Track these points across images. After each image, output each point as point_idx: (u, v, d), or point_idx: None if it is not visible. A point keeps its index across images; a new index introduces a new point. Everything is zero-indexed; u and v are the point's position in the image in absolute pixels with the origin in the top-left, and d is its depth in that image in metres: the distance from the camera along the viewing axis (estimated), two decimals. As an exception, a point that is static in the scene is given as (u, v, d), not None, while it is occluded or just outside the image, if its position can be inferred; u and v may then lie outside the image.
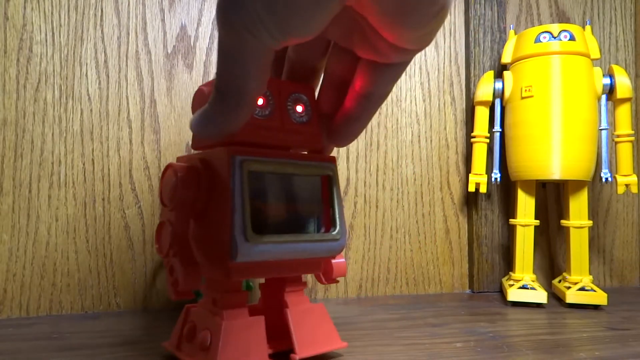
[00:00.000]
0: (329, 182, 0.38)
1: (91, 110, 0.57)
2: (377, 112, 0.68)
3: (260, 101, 0.35)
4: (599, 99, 0.62)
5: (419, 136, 0.69)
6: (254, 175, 0.34)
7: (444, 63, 0.71)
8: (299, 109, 0.38)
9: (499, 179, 0.65)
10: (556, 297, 0.64)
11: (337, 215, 0.38)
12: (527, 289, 0.60)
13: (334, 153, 0.41)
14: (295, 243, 0.35)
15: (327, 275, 0.42)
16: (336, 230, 0.38)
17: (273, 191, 0.36)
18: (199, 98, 0.36)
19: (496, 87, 0.65)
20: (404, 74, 0.69)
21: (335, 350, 0.40)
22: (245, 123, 0.33)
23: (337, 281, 0.43)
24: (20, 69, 0.55)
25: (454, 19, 0.71)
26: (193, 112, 0.38)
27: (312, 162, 0.38)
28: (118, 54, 0.58)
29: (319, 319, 0.39)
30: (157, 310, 0.57)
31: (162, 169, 0.59)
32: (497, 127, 0.66)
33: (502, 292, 0.67)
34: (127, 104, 0.58)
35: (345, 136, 0.38)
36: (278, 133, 0.36)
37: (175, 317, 0.54)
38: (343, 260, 0.42)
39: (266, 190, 0.35)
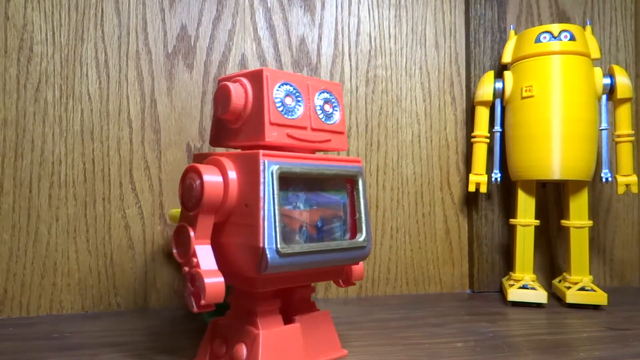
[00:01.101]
0: (355, 185, 0.37)
1: (91, 110, 0.57)
2: (378, 112, 0.68)
3: (288, 100, 0.34)
4: (599, 99, 0.62)
5: (419, 136, 0.69)
6: (284, 181, 0.33)
7: (444, 63, 0.71)
8: (327, 108, 0.36)
9: (499, 179, 0.65)
10: (556, 297, 0.64)
11: (363, 221, 0.37)
12: (527, 289, 0.60)
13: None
14: (323, 253, 0.34)
15: (346, 279, 0.41)
16: (362, 237, 0.36)
17: (301, 197, 0.34)
18: (222, 94, 0.35)
19: (496, 87, 0.65)
20: (404, 74, 0.69)
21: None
22: (275, 123, 0.32)
23: (354, 284, 0.42)
24: (20, 68, 0.55)
25: (454, 19, 0.71)
26: (215, 107, 0.36)
27: (339, 165, 0.36)
28: (118, 54, 0.58)
29: (323, 327, 0.39)
30: (157, 310, 0.57)
31: (162, 169, 0.59)
32: (497, 127, 0.66)
33: (502, 292, 0.67)
34: (128, 103, 0.58)
35: None
36: (307, 133, 0.35)
37: (175, 316, 0.54)
38: (360, 263, 0.41)
39: (295, 195, 0.34)
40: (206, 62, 0.61)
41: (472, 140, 0.66)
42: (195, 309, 0.32)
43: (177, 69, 0.60)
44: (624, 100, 0.63)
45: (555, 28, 0.61)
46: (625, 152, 0.63)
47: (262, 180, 0.31)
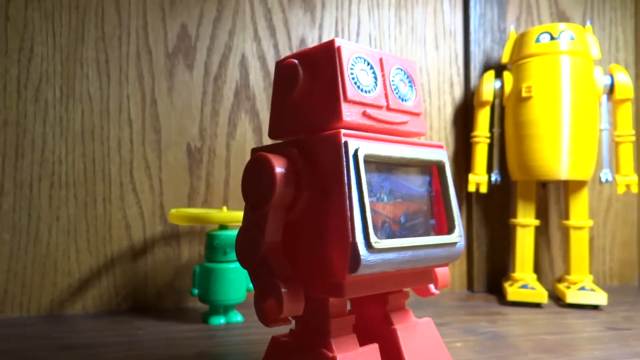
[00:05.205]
0: (442, 172, 0.33)
1: (92, 110, 0.57)
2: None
3: (363, 75, 0.30)
4: (599, 99, 0.62)
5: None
6: (368, 166, 0.28)
7: (444, 63, 0.71)
8: (403, 86, 0.33)
9: (499, 179, 0.65)
10: (556, 297, 0.64)
11: (454, 213, 0.32)
12: (527, 288, 0.60)
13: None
14: (416, 249, 0.29)
15: (430, 288, 0.36)
16: (455, 232, 0.32)
17: (384, 187, 0.30)
18: (287, 73, 0.30)
19: (496, 87, 0.65)
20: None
21: None
22: (351, 101, 0.28)
23: (438, 293, 0.37)
24: (21, 69, 0.55)
25: (454, 19, 0.71)
26: (276, 90, 0.32)
27: (423, 149, 0.32)
28: (119, 54, 0.58)
29: (430, 338, 0.33)
30: (157, 310, 0.57)
31: (163, 169, 0.59)
32: (497, 127, 0.66)
33: (501, 292, 0.67)
34: (128, 103, 0.58)
35: None
36: (384, 113, 0.31)
37: (175, 316, 0.54)
38: (446, 267, 0.35)
39: (377, 185, 0.29)
40: (206, 62, 0.61)
41: (472, 140, 0.67)
42: (270, 324, 0.27)
43: (177, 69, 0.60)
44: (624, 100, 0.63)
45: (555, 28, 0.61)
46: (625, 152, 0.63)
47: (345, 164, 0.27)
